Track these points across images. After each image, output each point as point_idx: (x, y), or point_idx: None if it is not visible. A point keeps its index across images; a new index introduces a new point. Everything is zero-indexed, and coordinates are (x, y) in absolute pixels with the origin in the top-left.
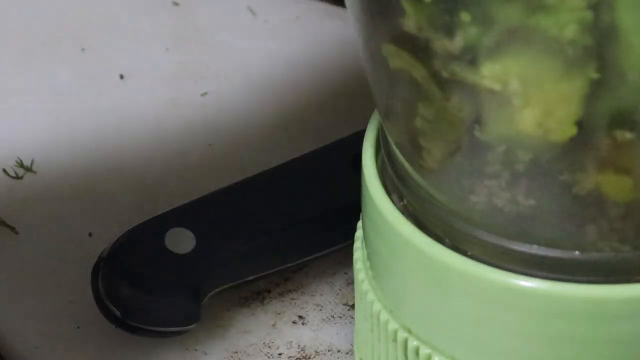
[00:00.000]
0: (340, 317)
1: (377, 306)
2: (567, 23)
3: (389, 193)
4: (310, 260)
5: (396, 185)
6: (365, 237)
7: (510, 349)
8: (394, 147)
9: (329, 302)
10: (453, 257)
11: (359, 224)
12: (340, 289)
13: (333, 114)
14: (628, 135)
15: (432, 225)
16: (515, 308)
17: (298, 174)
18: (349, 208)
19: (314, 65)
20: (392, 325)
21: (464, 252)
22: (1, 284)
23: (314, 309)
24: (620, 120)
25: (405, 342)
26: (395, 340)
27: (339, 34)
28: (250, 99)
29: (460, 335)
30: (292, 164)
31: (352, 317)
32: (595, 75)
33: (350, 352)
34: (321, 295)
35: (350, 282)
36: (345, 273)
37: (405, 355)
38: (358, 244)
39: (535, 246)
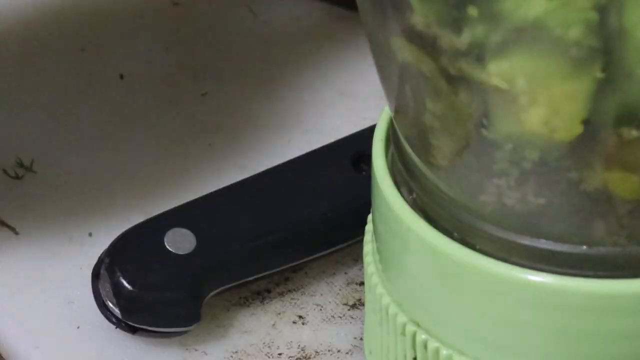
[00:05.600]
0: (340, 317)
1: (386, 299)
2: (572, 23)
3: (398, 187)
4: (310, 260)
5: (406, 179)
6: (374, 230)
7: (517, 342)
8: (403, 141)
9: (329, 302)
10: (461, 251)
11: (369, 217)
12: (340, 289)
13: (333, 114)
14: (634, 133)
15: (441, 219)
16: (523, 302)
17: (298, 174)
18: (349, 208)
19: (314, 65)
20: (401, 318)
21: (472, 246)
22: (1, 284)
23: (314, 309)
24: (626, 118)
25: (414, 335)
26: (403, 333)
27: (339, 34)
28: (250, 99)
29: (468, 329)
30: (292, 164)
31: (352, 317)
32: (601, 75)
33: (350, 352)
34: (321, 295)
35: (351, 282)
36: (345, 273)
37: (414, 348)
38: (368, 237)
39: (543, 241)
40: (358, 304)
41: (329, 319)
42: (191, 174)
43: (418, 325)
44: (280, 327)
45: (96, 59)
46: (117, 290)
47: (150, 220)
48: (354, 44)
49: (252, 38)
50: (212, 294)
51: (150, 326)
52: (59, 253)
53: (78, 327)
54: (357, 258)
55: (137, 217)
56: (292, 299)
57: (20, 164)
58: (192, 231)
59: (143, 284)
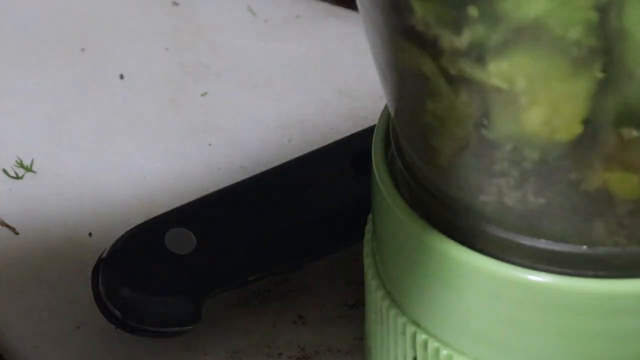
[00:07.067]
0: (340, 317)
1: (386, 299)
2: (572, 23)
3: (398, 187)
4: (310, 260)
5: (405, 179)
6: (374, 230)
7: (517, 342)
8: (403, 141)
9: (329, 302)
10: (461, 251)
11: (369, 217)
12: (340, 289)
13: (333, 114)
14: (635, 133)
15: (440, 220)
16: (523, 302)
17: (298, 174)
18: (350, 208)
19: (314, 65)
20: (401, 318)
21: (472, 246)
22: (1, 284)
23: (314, 309)
24: (626, 118)
25: (414, 335)
26: (404, 333)
27: (339, 34)
28: (250, 99)
29: (468, 329)
30: (292, 164)
31: (352, 317)
32: (601, 75)
33: (350, 352)
34: (321, 295)
35: (351, 282)
36: (345, 273)
37: (414, 348)
38: (368, 237)
39: (543, 241)
40: (358, 304)
41: (329, 319)
42: (191, 174)
43: (418, 325)
44: (280, 327)
45: (96, 59)
46: (117, 290)
47: (150, 221)
48: (354, 44)
49: (252, 38)
50: (212, 294)
51: (150, 326)
52: (59, 253)
53: (78, 327)
54: (357, 258)
55: (137, 217)
56: (292, 299)
57: (20, 164)
58: (192, 231)
59: (143, 284)
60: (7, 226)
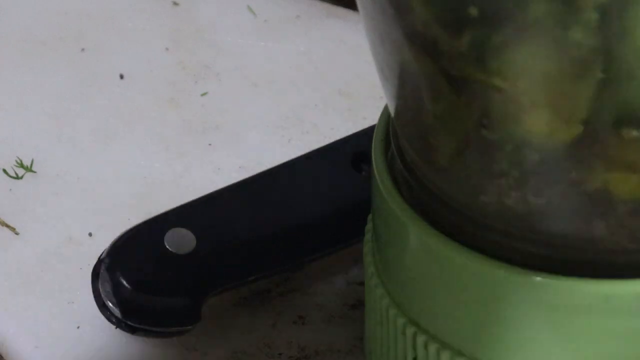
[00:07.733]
0: (340, 317)
1: (386, 299)
2: (572, 24)
3: (398, 187)
4: (310, 260)
5: (405, 179)
6: (374, 230)
7: (517, 342)
8: (403, 141)
9: (329, 302)
10: (461, 251)
11: (369, 217)
12: (340, 289)
13: (333, 114)
14: (635, 133)
15: (441, 220)
16: (523, 303)
17: (298, 174)
18: (350, 208)
19: (314, 65)
20: (401, 319)
21: (472, 246)
22: (1, 284)
23: (314, 309)
24: (626, 118)
25: (414, 335)
26: (404, 333)
27: (339, 34)
28: (250, 99)
29: (468, 330)
30: (292, 164)
31: (352, 317)
32: (601, 75)
33: (351, 352)
34: (321, 295)
35: (351, 282)
36: (345, 273)
37: (414, 348)
38: (368, 237)
39: (543, 241)
40: (358, 304)
41: (329, 319)
42: (191, 174)
43: (418, 325)
44: (280, 327)
45: (96, 59)
46: (117, 290)
47: (150, 220)
48: (354, 44)
49: (252, 38)
50: (212, 294)
51: (150, 326)
52: (59, 253)
53: (78, 327)
54: (357, 258)
55: (137, 217)
56: (292, 299)
57: (20, 164)
58: (192, 231)
59: (143, 284)
60: (7, 226)
